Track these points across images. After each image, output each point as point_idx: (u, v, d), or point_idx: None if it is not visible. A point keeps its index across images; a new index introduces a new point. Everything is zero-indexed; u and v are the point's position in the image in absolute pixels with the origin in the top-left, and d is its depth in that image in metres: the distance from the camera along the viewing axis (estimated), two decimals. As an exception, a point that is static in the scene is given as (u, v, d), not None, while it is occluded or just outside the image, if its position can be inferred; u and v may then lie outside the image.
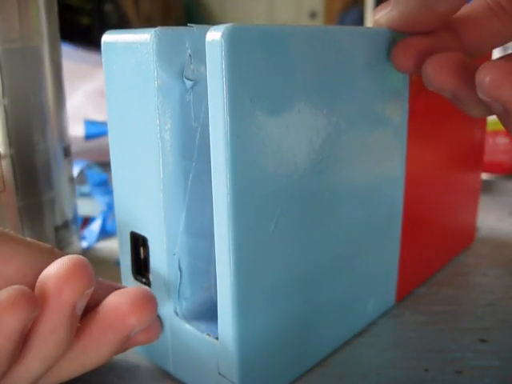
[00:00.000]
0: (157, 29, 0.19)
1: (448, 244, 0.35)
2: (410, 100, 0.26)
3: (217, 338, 0.21)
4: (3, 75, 0.28)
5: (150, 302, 0.20)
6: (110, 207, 0.44)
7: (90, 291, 0.18)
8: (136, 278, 0.24)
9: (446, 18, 0.22)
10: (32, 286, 0.18)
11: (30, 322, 0.17)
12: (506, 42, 0.25)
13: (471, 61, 0.22)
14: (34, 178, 0.30)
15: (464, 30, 0.23)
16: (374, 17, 0.23)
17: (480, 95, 0.20)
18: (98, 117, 0.62)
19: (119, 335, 0.20)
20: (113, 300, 0.20)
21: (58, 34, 0.32)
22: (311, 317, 0.23)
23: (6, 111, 0.28)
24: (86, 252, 0.38)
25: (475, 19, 0.23)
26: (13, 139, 0.29)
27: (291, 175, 0.20)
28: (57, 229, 0.32)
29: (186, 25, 0.20)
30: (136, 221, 0.23)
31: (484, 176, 0.53)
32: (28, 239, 0.20)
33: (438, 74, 0.22)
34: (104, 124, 0.55)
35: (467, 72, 0.21)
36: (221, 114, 0.18)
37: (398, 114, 0.25)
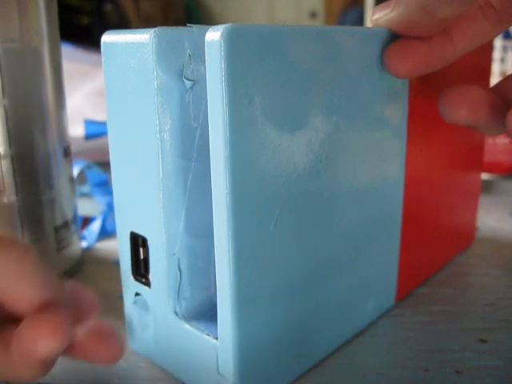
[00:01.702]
0: (156, 29, 0.19)
1: (448, 244, 0.35)
2: (410, 100, 0.26)
3: (216, 338, 0.21)
4: (3, 75, 0.28)
5: (60, 328, 0.18)
6: (110, 207, 0.44)
7: None
8: (136, 278, 0.24)
9: (446, 24, 0.22)
10: None
11: None
12: (488, 40, 0.25)
13: (484, 91, 0.23)
14: (34, 178, 0.30)
15: (455, 30, 0.23)
16: (372, 16, 0.23)
17: (510, 138, 0.21)
18: (98, 117, 0.62)
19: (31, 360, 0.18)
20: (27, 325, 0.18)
21: (58, 34, 0.32)
22: (311, 317, 0.23)
23: (6, 111, 0.28)
24: (85, 252, 0.38)
25: (465, 18, 0.23)
26: (13, 139, 0.29)
27: (290, 175, 0.20)
28: (57, 229, 0.32)
29: (185, 25, 0.20)
30: (136, 221, 0.23)
31: (484, 176, 0.53)
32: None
33: (454, 109, 0.23)
34: (104, 124, 0.55)
35: (482, 104, 0.23)
36: (220, 114, 0.18)
37: (397, 114, 0.25)
